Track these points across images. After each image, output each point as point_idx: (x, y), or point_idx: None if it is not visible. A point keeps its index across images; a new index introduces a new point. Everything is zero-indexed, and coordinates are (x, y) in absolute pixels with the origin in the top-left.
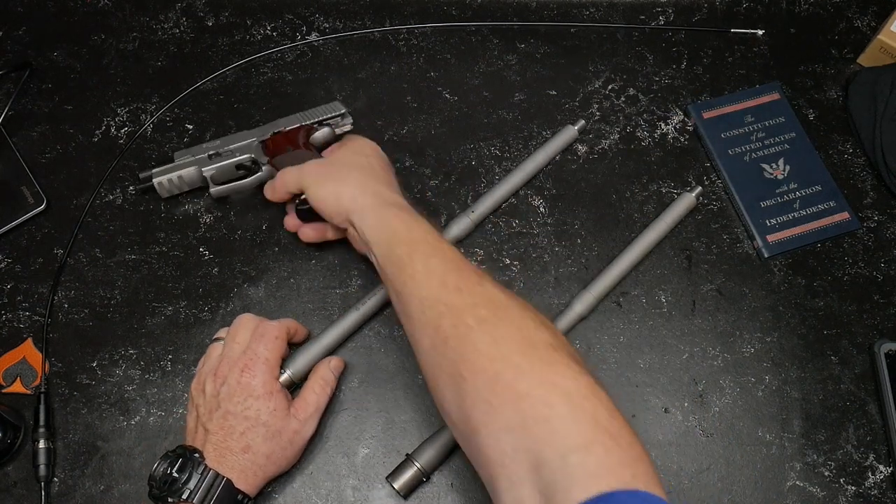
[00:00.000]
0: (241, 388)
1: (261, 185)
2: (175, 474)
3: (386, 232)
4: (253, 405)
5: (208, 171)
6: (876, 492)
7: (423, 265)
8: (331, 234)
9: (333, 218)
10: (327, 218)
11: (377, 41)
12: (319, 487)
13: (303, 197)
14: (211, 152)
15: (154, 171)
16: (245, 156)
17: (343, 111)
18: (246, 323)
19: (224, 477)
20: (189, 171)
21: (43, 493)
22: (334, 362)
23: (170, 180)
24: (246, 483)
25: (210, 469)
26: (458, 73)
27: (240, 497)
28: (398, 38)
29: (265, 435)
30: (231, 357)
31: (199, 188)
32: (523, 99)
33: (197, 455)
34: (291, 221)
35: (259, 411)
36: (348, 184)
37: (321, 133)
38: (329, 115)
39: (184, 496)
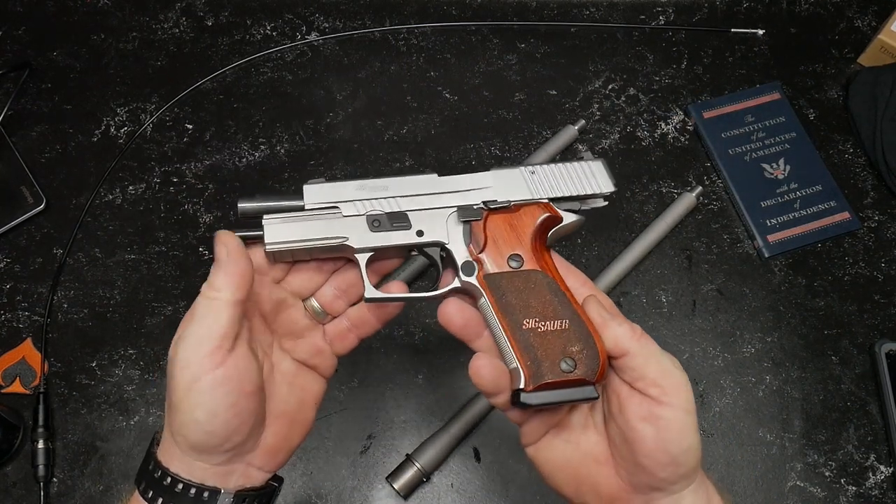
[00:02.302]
0: None
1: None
2: None
3: None
4: None
5: (364, 249)
6: (877, 492)
7: None
8: (479, 344)
9: (678, 472)
10: (659, 465)
11: (377, 41)
12: (319, 487)
13: None
14: (375, 211)
15: (262, 205)
16: (432, 238)
17: (610, 190)
18: None
19: (155, 434)
20: (325, 235)
21: (42, 493)
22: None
23: (287, 225)
24: (161, 444)
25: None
26: (458, 73)
27: (151, 465)
28: (398, 38)
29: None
30: None
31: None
32: (523, 99)
33: None
34: (455, 309)
35: None
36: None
37: (567, 224)
38: (590, 193)
39: None
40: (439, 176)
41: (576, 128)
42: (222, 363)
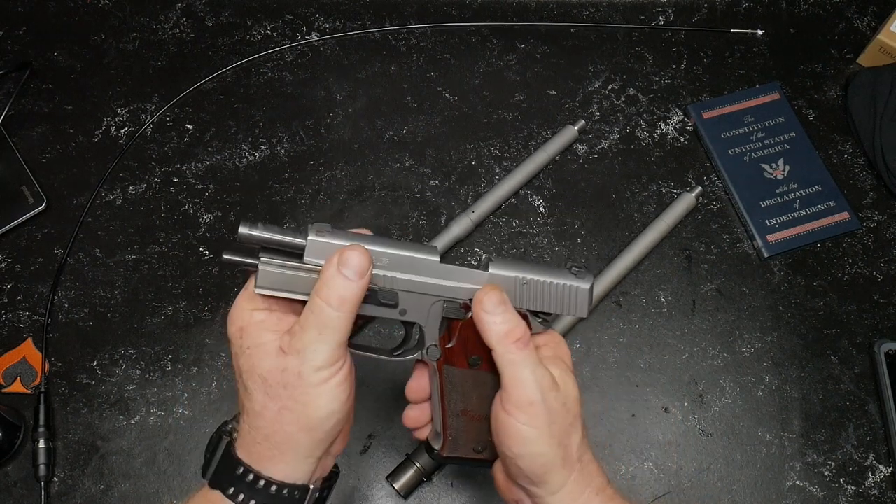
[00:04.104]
0: (230, 340)
1: None
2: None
3: None
4: (233, 352)
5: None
6: (876, 492)
7: None
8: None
9: (521, 472)
10: (520, 471)
11: (377, 41)
12: None
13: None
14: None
15: (264, 236)
16: (413, 319)
17: (583, 317)
18: None
19: (224, 437)
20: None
21: (43, 492)
22: (347, 254)
23: (283, 275)
24: (247, 453)
25: (216, 432)
26: (458, 73)
27: (241, 470)
28: (398, 38)
29: (257, 388)
30: None
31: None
32: (523, 99)
33: (230, 426)
34: (419, 391)
35: (237, 357)
36: (577, 431)
37: (533, 332)
38: (564, 315)
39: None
40: (440, 262)
41: (576, 128)
42: (346, 362)
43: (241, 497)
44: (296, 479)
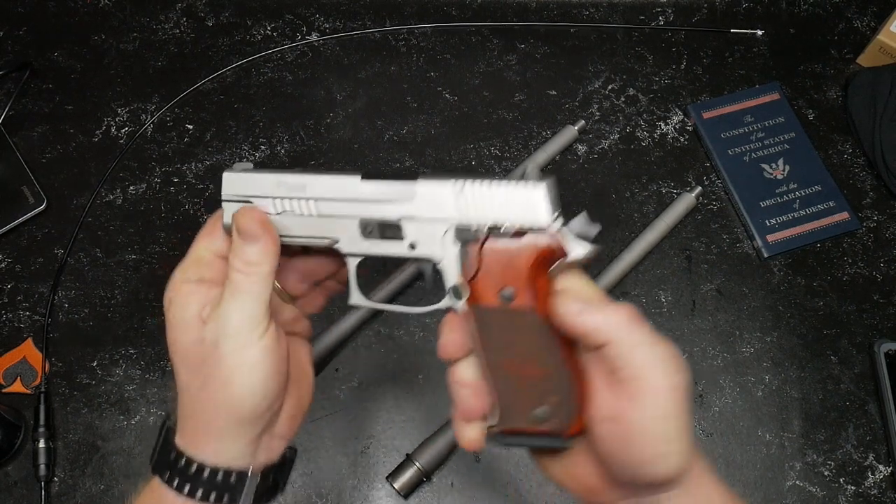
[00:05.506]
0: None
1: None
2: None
3: None
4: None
5: (354, 255)
6: (875, 491)
7: None
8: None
9: (647, 479)
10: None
11: (377, 41)
12: (319, 487)
13: None
14: (366, 216)
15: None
16: (425, 254)
17: (542, 224)
18: None
19: (167, 421)
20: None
21: (43, 492)
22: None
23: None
24: (181, 435)
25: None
26: (458, 73)
27: (174, 454)
28: (398, 38)
29: (179, 362)
30: None
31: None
32: (523, 99)
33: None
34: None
35: (167, 331)
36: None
37: (575, 258)
38: (519, 225)
39: None
40: (363, 178)
41: (575, 128)
42: (266, 331)
43: (175, 482)
44: (230, 462)
